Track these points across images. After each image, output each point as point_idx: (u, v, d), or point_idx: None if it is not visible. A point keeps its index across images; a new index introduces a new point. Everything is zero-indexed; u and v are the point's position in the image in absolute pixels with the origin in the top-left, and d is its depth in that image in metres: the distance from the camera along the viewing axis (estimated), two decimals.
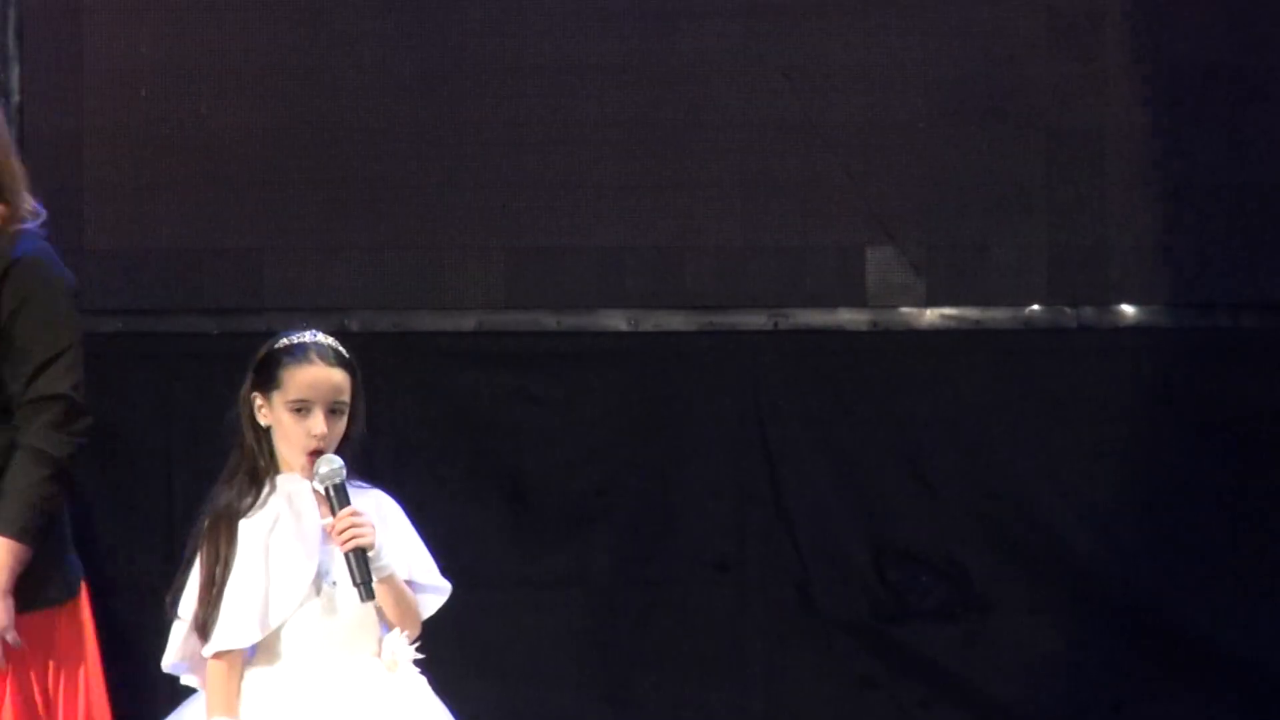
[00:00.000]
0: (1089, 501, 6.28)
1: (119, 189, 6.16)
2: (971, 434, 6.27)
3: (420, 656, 4.05)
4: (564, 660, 6.16)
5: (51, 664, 4.10)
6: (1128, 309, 6.30)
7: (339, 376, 4.03)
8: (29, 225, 4.09)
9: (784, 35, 6.28)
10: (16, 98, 6.12)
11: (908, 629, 6.27)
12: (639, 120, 6.24)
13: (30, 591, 4.04)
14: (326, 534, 4.01)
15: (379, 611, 4.04)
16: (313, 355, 4.02)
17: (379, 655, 4.02)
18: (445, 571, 4.20)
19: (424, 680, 4.07)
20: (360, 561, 3.94)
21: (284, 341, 4.08)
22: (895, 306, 6.29)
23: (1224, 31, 6.34)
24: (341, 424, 4.03)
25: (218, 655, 3.97)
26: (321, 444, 4.00)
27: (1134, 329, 6.32)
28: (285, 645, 4.02)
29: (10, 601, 3.97)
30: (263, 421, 4.04)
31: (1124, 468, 6.30)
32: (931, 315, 6.29)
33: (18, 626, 3.99)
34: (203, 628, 3.99)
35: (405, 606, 4.04)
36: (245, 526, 4.02)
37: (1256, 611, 6.28)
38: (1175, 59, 6.32)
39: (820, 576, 6.22)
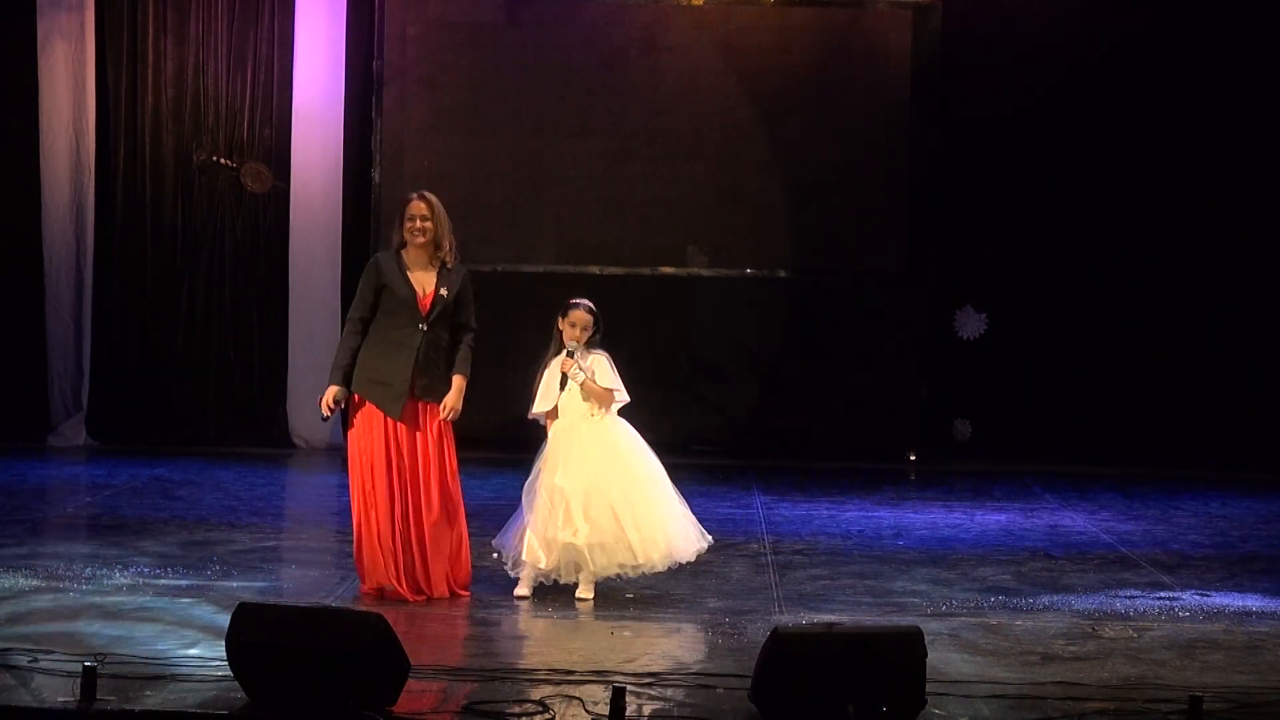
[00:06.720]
0: None
1: None
2: None
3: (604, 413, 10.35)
4: None
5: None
6: None
7: (587, 318, 10.38)
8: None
9: None
10: None
11: None
12: None
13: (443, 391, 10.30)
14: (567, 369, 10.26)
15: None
16: (580, 308, 10.44)
17: (592, 414, 10.28)
18: None
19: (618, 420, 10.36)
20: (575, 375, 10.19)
21: (571, 300, 10.42)
22: None
23: None
24: (586, 334, 10.26)
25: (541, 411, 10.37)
26: (576, 338, 10.29)
27: None
28: (561, 410, 10.30)
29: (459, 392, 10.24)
30: (560, 329, 10.42)
31: None
32: None
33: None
34: (535, 403, 10.34)
35: (595, 396, 10.21)
36: (546, 371, 10.36)
37: None
38: None
39: None
